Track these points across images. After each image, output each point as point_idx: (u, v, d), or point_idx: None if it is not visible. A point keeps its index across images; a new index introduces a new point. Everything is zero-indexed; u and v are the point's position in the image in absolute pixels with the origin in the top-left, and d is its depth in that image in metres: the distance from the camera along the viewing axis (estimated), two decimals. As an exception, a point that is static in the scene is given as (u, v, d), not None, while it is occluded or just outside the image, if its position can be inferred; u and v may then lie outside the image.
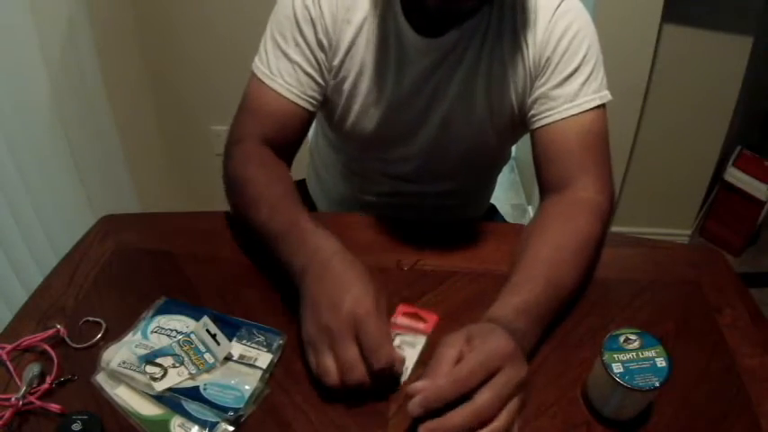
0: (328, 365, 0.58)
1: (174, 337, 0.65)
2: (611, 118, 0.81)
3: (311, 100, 0.83)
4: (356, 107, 0.86)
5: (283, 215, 0.71)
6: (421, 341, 0.66)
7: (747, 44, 1.71)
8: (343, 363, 0.57)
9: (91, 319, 0.68)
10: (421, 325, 0.68)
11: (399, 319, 0.68)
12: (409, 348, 0.65)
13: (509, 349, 0.56)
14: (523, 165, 2.49)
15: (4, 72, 1.15)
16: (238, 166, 0.79)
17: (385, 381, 0.59)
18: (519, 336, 0.59)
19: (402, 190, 0.99)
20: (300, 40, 0.81)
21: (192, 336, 0.65)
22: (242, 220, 0.77)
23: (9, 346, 0.64)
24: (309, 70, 0.82)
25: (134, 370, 0.61)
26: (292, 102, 0.82)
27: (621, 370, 0.55)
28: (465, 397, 0.53)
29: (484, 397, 0.52)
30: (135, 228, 0.85)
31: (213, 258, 0.78)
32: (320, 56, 0.82)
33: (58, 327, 0.66)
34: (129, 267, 0.78)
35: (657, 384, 0.54)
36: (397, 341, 0.65)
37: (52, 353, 0.63)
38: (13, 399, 0.58)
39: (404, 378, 0.62)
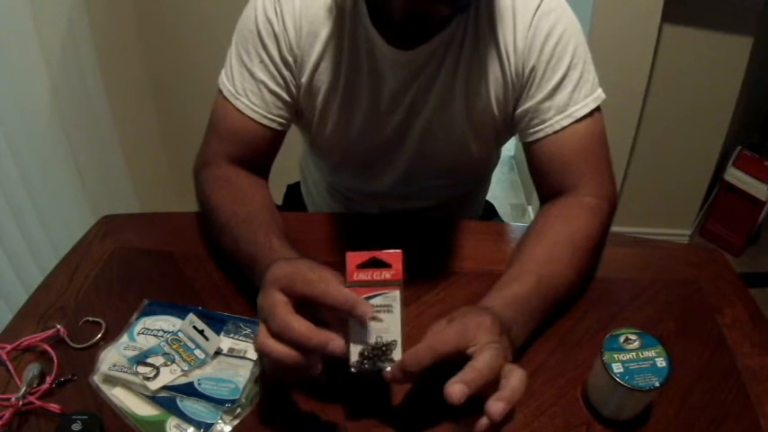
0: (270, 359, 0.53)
1: (161, 336, 0.66)
2: (610, 118, 0.80)
3: (278, 119, 0.80)
4: (330, 124, 0.83)
5: (246, 245, 0.68)
6: (395, 297, 0.54)
7: (747, 44, 1.71)
8: (265, 355, 0.53)
9: (91, 319, 0.69)
10: (386, 273, 0.54)
11: (357, 277, 0.53)
12: (387, 314, 0.53)
13: (487, 321, 0.55)
14: (523, 164, 2.48)
15: (5, 73, 1.15)
16: (205, 192, 0.78)
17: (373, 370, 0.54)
18: (505, 323, 0.58)
19: (389, 208, 0.97)
20: (265, 56, 0.77)
21: (180, 333, 0.65)
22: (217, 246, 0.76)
23: (9, 346, 0.64)
24: (275, 88, 0.79)
25: (125, 372, 0.61)
26: (258, 122, 0.79)
27: (621, 370, 0.55)
28: (444, 366, 0.51)
29: (483, 356, 0.51)
30: (135, 228, 0.85)
31: (213, 258, 0.78)
32: (286, 74, 0.78)
33: (58, 327, 0.66)
34: (129, 267, 0.78)
35: (657, 384, 0.54)
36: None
37: (52, 353, 0.63)
38: (13, 399, 0.58)
39: (396, 355, 0.53)
